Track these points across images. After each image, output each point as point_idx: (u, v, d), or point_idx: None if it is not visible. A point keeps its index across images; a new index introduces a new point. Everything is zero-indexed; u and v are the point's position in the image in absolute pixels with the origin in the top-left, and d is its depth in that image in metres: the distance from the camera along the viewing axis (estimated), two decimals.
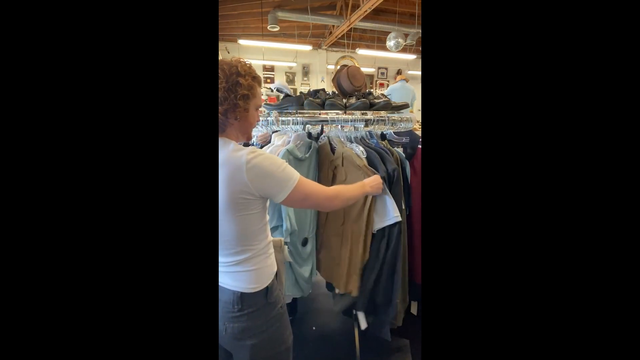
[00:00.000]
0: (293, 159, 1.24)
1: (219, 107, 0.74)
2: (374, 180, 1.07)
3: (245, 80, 0.76)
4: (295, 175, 0.78)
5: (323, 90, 1.50)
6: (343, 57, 6.58)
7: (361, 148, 1.26)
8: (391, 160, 1.22)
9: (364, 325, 1.29)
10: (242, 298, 0.77)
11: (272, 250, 0.86)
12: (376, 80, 7.44)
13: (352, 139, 1.34)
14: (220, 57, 0.75)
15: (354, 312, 1.48)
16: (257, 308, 0.78)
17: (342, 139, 1.34)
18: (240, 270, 0.78)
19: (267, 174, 0.74)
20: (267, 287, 0.80)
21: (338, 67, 2.64)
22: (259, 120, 0.88)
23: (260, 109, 0.92)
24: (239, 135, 0.84)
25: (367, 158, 1.24)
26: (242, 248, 0.77)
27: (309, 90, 1.51)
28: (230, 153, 0.73)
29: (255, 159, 0.73)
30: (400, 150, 1.35)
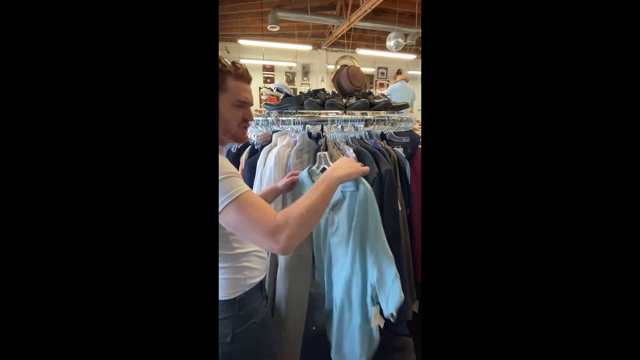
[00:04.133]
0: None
1: None
2: (341, 166, 0.79)
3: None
4: (239, 188, 0.64)
5: (323, 90, 1.50)
6: (343, 57, 6.59)
7: (351, 151, 1.25)
8: (385, 161, 1.22)
9: (382, 323, 1.33)
10: None
11: (249, 263, 0.78)
12: (376, 80, 7.45)
13: (349, 140, 1.34)
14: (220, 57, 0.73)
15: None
16: (224, 316, 0.74)
17: (336, 141, 1.33)
18: None
19: None
20: (235, 299, 0.75)
21: (338, 67, 2.64)
22: (247, 120, 0.76)
23: (261, 109, 0.84)
24: (219, 135, 0.75)
25: (358, 160, 1.23)
26: None
27: (309, 90, 1.51)
28: None
29: None
30: (400, 150, 1.35)
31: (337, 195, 0.95)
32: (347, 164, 0.82)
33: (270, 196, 1.04)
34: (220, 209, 0.63)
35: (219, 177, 0.63)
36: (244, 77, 0.74)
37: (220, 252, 0.73)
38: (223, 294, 0.75)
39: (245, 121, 0.77)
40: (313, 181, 1.02)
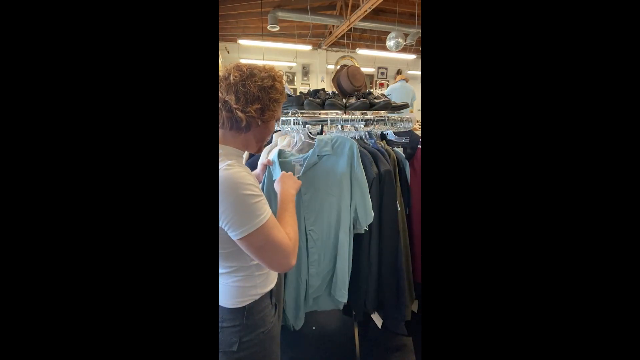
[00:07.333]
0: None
1: (251, 105, 0.70)
2: (282, 181, 0.90)
3: (280, 85, 0.76)
4: (265, 211, 0.67)
5: (323, 90, 1.50)
6: (343, 57, 6.58)
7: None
8: (384, 161, 1.22)
9: (379, 323, 1.33)
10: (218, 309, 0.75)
11: (262, 272, 0.79)
12: (376, 80, 7.44)
13: None
14: (220, 58, 0.74)
15: (353, 313, 1.48)
16: (231, 324, 0.75)
17: None
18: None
19: (226, 197, 0.63)
20: (244, 307, 0.75)
21: (338, 67, 2.64)
22: (272, 133, 0.84)
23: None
24: (253, 142, 0.79)
25: None
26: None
27: (309, 90, 1.51)
28: None
29: (224, 171, 0.64)
30: (400, 150, 1.35)
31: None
32: (292, 182, 0.91)
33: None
34: (249, 232, 0.64)
35: (252, 196, 0.65)
36: (285, 98, 0.84)
37: (235, 264, 0.74)
38: (232, 302, 0.75)
39: None
40: (285, 159, 1.14)
